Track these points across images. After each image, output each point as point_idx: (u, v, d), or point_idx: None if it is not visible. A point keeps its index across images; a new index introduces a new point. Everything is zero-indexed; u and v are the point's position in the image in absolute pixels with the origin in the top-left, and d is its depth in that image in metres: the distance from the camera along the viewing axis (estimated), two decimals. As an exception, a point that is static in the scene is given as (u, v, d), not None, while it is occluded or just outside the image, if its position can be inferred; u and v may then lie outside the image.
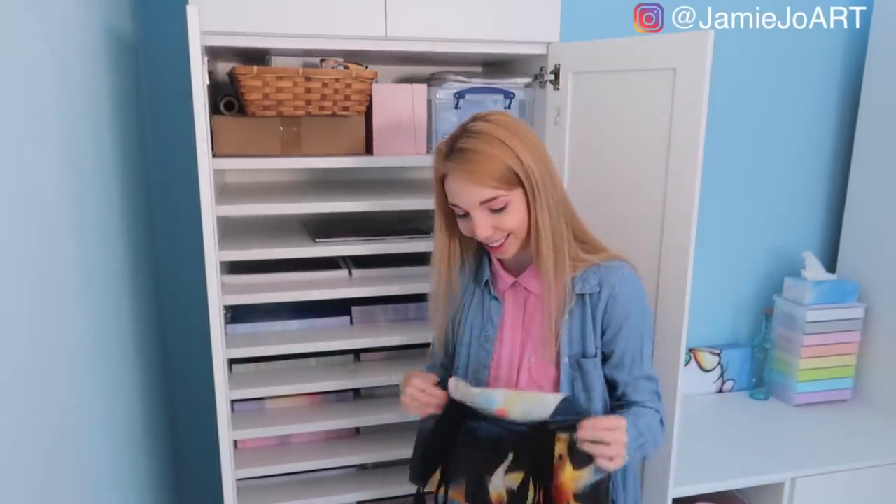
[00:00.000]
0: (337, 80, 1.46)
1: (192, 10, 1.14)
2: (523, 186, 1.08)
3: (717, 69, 1.25)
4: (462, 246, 1.24)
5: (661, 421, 1.19)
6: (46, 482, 0.89)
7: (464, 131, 1.10)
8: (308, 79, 1.44)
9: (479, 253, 1.26)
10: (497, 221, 1.10)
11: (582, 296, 1.15)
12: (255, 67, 1.42)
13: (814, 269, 2.08)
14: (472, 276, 1.26)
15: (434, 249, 1.24)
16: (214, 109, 1.51)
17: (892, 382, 2.03)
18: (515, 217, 1.10)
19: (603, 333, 1.16)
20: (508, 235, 1.12)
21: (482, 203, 1.08)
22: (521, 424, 1.09)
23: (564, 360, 1.16)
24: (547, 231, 1.10)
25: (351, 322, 1.67)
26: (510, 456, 1.11)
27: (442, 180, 1.13)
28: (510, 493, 1.10)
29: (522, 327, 1.21)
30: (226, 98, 1.53)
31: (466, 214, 1.11)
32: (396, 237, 1.59)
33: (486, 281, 1.24)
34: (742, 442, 1.90)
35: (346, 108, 1.51)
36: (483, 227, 1.10)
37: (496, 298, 1.23)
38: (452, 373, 1.28)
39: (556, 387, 1.18)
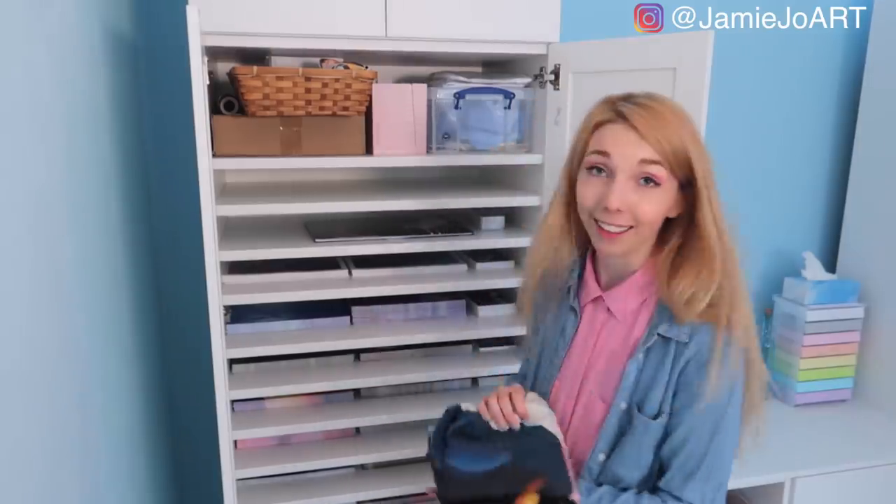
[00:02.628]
0: (337, 80, 1.46)
1: (191, 10, 1.14)
2: (681, 183, 0.95)
3: (717, 69, 1.25)
4: (574, 229, 1.06)
5: None
6: (47, 482, 0.89)
7: (648, 95, 0.96)
8: (308, 79, 1.44)
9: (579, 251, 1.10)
10: (637, 199, 0.93)
11: (667, 340, 0.97)
12: (255, 67, 1.42)
13: (814, 269, 2.08)
14: (561, 277, 1.11)
15: (541, 227, 1.09)
16: (214, 109, 1.51)
17: (892, 382, 2.03)
18: (658, 205, 0.94)
19: (674, 397, 0.97)
20: (631, 228, 0.95)
21: (640, 162, 0.92)
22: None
23: (621, 405, 0.99)
24: (712, 242, 0.96)
25: (351, 322, 1.67)
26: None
27: (595, 128, 0.97)
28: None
29: (594, 351, 1.05)
30: (226, 98, 1.53)
31: (605, 173, 0.94)
32: (396, 237, 1.59)
33: (570, 287, 1.09)
34: (742, 442, 1.89)
35: (346, 108, 1.51)
36: (619, 194, 0.92)
37: (574, 310, 1.08)
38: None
39: (598, 431, 1.01)
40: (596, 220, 0.97)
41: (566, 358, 1.08)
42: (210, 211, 1.25)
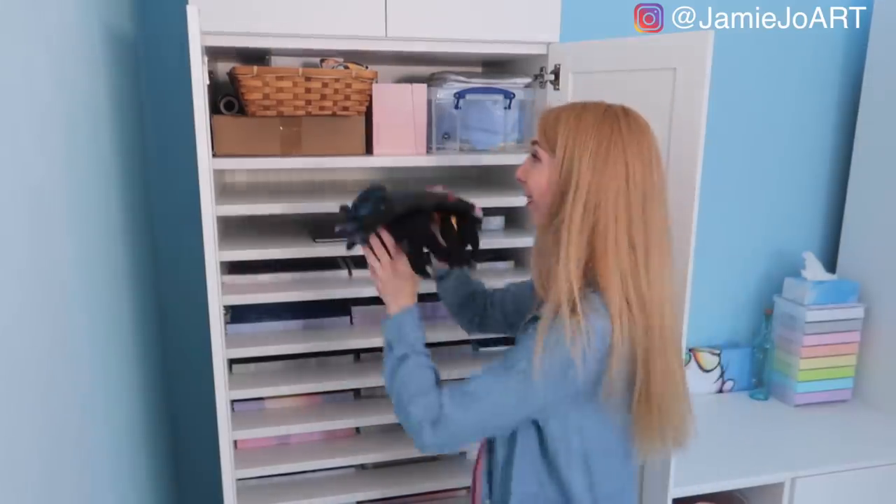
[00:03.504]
0: (337, 80, 1.46)
1: (191, 10, 1.14)
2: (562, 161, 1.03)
3: (717, 69, 1.25)
4: None
5: (423, 392, 1.07)
6: (47, 482, 0.89)
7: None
8: (308, 79, 1.44)
9: None
10: (529, 169, 1.09)
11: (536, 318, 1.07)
12: (255, 67, 1.42)
13: (814, 269, 2.08)
14: None
15: None
16: (214, 109, 1.51)
17: (892, 382, 2.03)
18: (538, 177, 1.07)
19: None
20: (530, 202, 1.11)
21: (532, 143, 1.10)
22: None
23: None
24: (559, 225, 1.02)
25: (351, 322, 1.67)
26: None
27: None
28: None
29: None
30: (226, 98, 1.53)
31: None
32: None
33: None
34: (742, 442, 1.90)
35: (346, 108, 1.51)
36: (522, 167, 1.11)
37: None
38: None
39: None
40: None
41: None
42: (210, 211, 1.25)
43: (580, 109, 1.05)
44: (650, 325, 1.02)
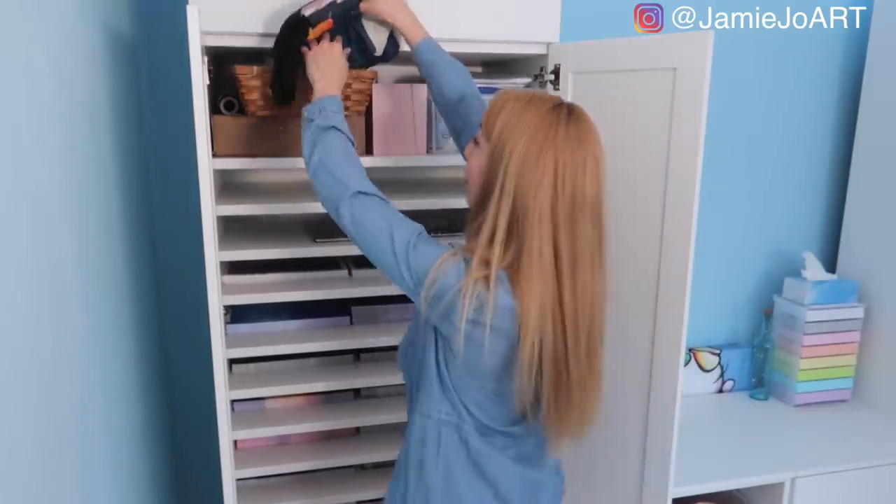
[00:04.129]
0: None
1: (191, 10, 1.14)
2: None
3: (717, 69, 1.25)
4: None
5: (352, 163, 1.12)
6: (46, 482, 0.89)
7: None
8: None
9: None
10: (472, 149, 1.11)
11: None
12: (255, 67, 1.42)
13: (814, 269, 2.08)
14: None
15: None
16: (215, 109, 1.51)
17: (892, 382, 2.03)
18: (474, 162, 1.09)
19: None
20: (465, 182, 1.13)
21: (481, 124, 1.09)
22: None
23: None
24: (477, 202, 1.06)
25: (351, 322, 1.67)
26: None
27: None
28: None
29: None
30: (226, 98, 1.53)
31: None
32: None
33: None
34: (742, 442, 1.90)
35: (346, 109, 1.50)
36: (468, 145, 1.13)
37: None
38: None
39: None
40: None
41: None
42: (210, 211, 1.25)
43: (525, 103, 1.03)
44: (568, 334, 1.02)
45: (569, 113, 1.03)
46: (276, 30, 1.38)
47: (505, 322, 1.01)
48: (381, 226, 1.07)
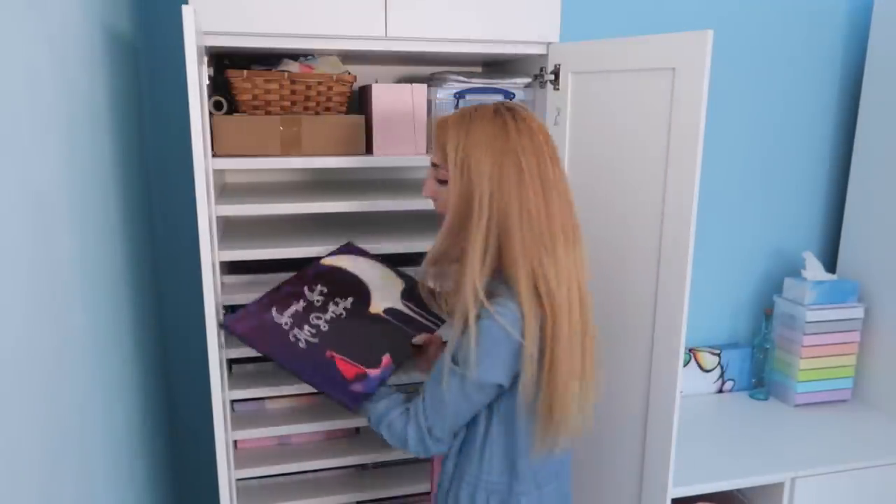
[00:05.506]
0: (319, 83, 1.52)
1: (187, 10, 1.13)
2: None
3: (716, 68, 1.26)
4: None
5: (402, 437, 1.17)
6: (46, 482, 0.89)
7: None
8: (293, 81, 1.50)
9: None
10: (436, 189, 1.15)
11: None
12: (245, 71, 1.47)
13: (814, 269, 2.08)
14: None
15: None
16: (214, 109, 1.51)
17: (892, 382, 2.03)
18: (447, 198, 1.12)
19: None
20: (441, 214, 1.15)
21: (432, 165, 1.15)
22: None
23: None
24: (453, 223, 1.11)
25: (351, 322, 1.66)
26: None
27: None
28: None
29: None
30: (214, 98, 1.53)
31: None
32: (397, 236, 1.59)
33: None
34: (742, 442, 1.90)
35: (328, 109, 1.57)
36: (427, 185, 1.16)
37: None
38: None
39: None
40: None
41: None
42: (206, 211, 1.24)
43: (467, 117, 1.09)
44: (557, 321, 1.06)
45: (512, 113, 1.09)
46: (276, 30, 1.39)
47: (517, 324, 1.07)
48: (452, 410, 1.13)
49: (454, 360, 1.10)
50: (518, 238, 1.05)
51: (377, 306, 1.39)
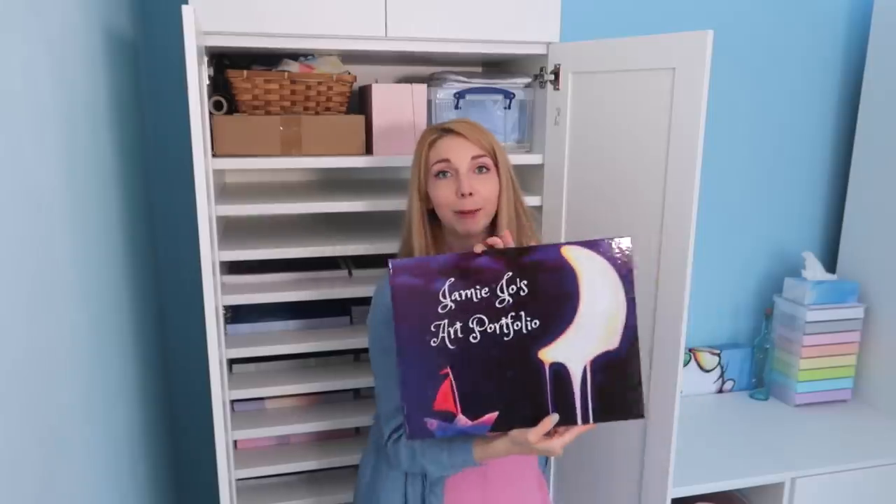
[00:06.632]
0: (319, 83, 1.52)
1: (187, 10, 1.13)
2: (498, 172, 1.20)
3: (716, 68, 1.26)
4: (428, 233, 1.24)
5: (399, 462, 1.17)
6: (46, 482, 0.89)
7: (459, 118, 1.26)
8: (293, 82, 1.50)
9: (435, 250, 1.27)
10: (478, 184, 1.17)
11: None
12: (245, 71, 1.47)
13: (814, 269, 2.08)
14: None
15: (408, 240, 1.25)
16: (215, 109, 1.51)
17: (892, 382, 2.03)
18: (492, 187, 1.18)
19: None
20: (480, 208, 1.17)
21: (473, 158, 1.17)
22: None
23: None
24: (511, 212, 1.22)
25: (351, 322, 1.67)
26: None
27: (430, 146, 1.20)
28: None
29: None
30: (214, 98, 1.53)
31: (449, 174, 1.18)
32: (396, 237, 1.59)
33: None
34: (742, 442, 1.90)
35: (328, 109, 1.57)
36: (467, 182, 1.17)
37: None
38: None
39: None
40: (456, 211, 1.18)
41: None
42: (206, 211, 1.24)
43: (483, 127, 1.23)
44: None
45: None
46: (276, 30, 1.39)
47: None
48: None
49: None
50: (524, 214, 1.26)
51: (550, 353, 1.01)
